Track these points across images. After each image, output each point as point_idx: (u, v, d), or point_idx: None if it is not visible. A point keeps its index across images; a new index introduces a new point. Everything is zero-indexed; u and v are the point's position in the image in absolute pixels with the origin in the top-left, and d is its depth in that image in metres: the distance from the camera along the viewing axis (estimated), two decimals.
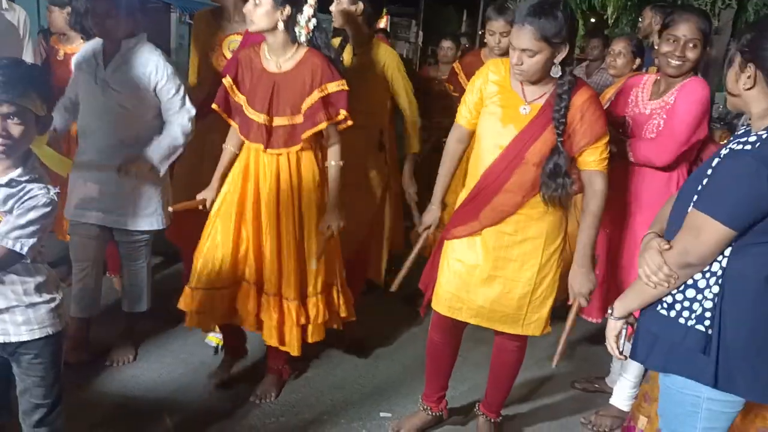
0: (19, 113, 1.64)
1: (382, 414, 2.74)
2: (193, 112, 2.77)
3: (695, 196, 1.60)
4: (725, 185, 1.54)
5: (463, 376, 2.95)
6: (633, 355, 1.76)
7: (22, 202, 1.68)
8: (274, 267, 2.51)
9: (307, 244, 2.54)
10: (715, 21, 6.61)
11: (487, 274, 2.28)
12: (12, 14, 3.48)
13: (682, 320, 1.62)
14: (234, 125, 2.57)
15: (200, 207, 2.61)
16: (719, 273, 1.58)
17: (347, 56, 3.00)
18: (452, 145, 2.46)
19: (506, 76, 2.22)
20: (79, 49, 3.05)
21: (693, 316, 1.61)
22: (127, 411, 2.60)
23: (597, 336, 3.12)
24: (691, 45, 2.40)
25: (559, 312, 2.40)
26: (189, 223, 3.24)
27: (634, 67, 3.49)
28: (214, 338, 3.06)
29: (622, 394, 2.80)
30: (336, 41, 2.97)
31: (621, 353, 1.81)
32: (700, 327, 1.59)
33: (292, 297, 2.52)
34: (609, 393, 2.89)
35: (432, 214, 2.51)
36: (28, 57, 3.56)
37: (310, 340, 2.61)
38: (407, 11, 24.19)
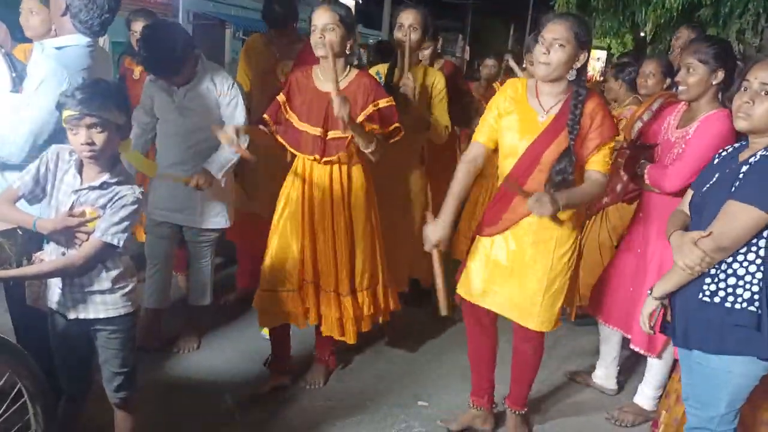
0: (101, 123, 1.91)
1: (420, 403, 2.99)
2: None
3: (731, 191, 1.85)
4: (763, 179, 1.82)
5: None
6: (684, 343, 2.04)
7: (114, 202, 1.97)
8: (331, 266, 2.80)
9: (356, 243, 2.82)
10: (757, 39, 6.63)
11: (509, 270, 2.49)
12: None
13: (728, 304, 1.90)
14: (279, 139, 2.80)
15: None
16: (759, 261, 1.87)
17: (397, 77, 3.20)
18: (467, 162, 2.51)
19: (523, 94, 2.43)
20: None
21: (740, 300, 1.88)
22: (191, 391, 2.92)
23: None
24: (690, 70, 2.56)
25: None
26: (247, 223, 3.59)
27: (665, 86, 3.66)
28: (267, 331, 3.36)
29: (645, 393, 2.99)
30: (383, 67, 3.25)
31: (650, 328, 2.12)
32: (752, 308, 1.87)
33: (346, 293, 2.81)
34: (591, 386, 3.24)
35: (438, 231, 2.41)
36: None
37: (362, 330, 2.90)
38: (454, 25, 24.26)
